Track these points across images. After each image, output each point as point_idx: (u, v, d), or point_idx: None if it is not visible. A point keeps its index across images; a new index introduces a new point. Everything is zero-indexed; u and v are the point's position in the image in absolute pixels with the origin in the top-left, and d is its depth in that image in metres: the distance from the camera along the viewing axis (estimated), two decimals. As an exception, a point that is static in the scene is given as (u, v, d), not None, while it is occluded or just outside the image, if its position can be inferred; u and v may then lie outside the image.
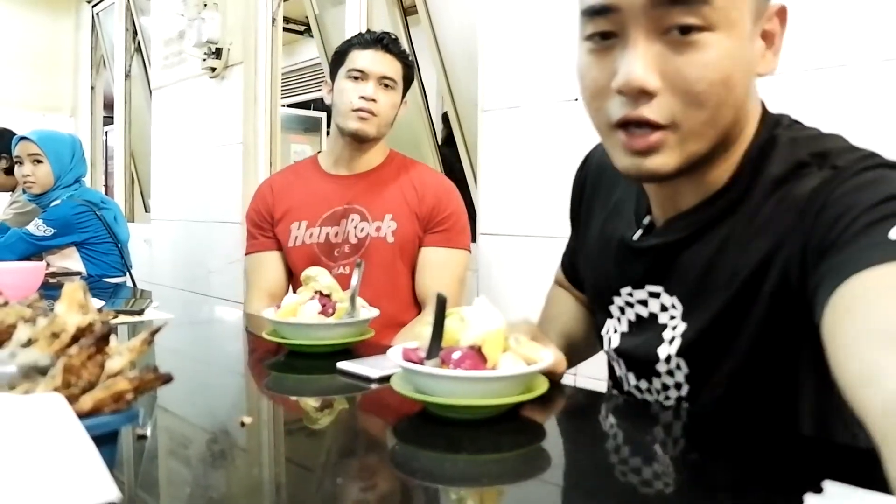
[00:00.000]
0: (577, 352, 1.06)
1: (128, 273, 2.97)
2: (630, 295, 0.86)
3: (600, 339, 0.96)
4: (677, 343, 0.79)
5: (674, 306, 0.80)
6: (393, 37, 1.82)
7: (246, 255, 1.88)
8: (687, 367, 0.79)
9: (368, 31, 2.20)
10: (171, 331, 1.46)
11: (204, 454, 0.71)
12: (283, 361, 1.12)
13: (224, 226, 3.24)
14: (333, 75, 1.81)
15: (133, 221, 4.35)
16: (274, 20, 3.16)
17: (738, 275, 0.72)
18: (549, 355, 0.82)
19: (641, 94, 0.66)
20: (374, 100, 1.73)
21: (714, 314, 0.75)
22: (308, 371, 1.07)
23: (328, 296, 1.17)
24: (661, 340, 0.81)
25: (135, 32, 4.40)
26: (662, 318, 0.82)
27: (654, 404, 0.85)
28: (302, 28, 4.57)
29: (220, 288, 3.29)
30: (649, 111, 0.66)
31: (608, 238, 0.90)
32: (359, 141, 1.77)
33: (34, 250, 2.72)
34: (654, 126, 0.67)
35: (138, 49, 4.38)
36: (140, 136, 4.41)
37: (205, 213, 3.40)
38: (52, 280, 2.44)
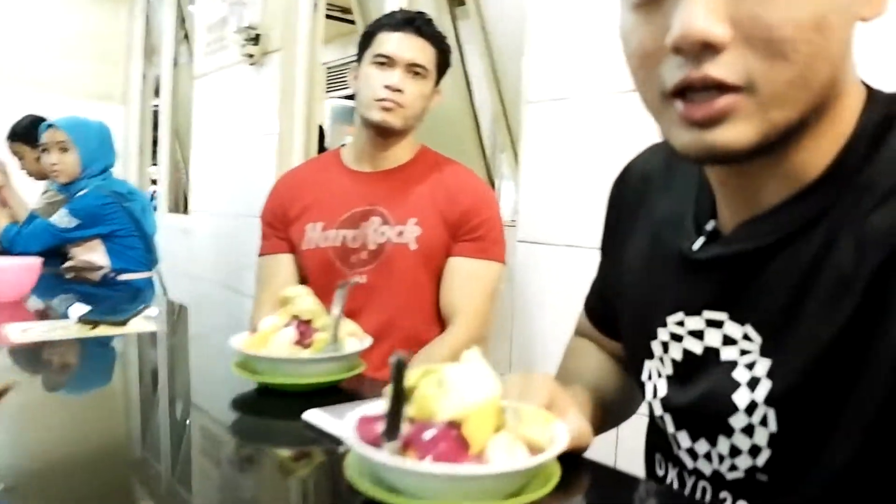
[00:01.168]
0: (609, 413, 0.84)
1: (154, 269, 2.85)
2: (680, 325, 0.68)
3: (641, 389, 0.75)
4: (764, 387, 0.60)
5: (747, 337, 0.62)
6: (427, 18, 1.60)
7: (258, 256, 1.70)
8: (776, 422, 0.59)
9: (401, 10, 1.99)
10: (148, 348, 1.28)
11: None
12: (253, 398, 0.92)
13: (258, 220, 3.09)
14: (360, 59, 1.61)
15: (183, 212, 4.28)
16: (316, 5, 2.98)
17: (850, 291, 0.54)
18: (563, 433, 0.59)
19: (705, 49, 0.51)
20: (400, 90, 1.52)
21: (820, 349, 0.56)
22: (275, 414, 0.87)
23: (308, 322, 0.96)
24: (736, 384, 0.62)
25: (183, 20, 4.31)
26: (727, 353, 0.63)
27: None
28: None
29: (253, 284, 3.14)
30: (715, 69, 0.52)
31: (656, 255, 0.73)
32: (383, 135, 1.57)
33: (58, 242, 2.61)
34: (722, 88, 0.52)
35: (186, 37, 4.29)
36: (188, 126, 4.33)
37: (241, 206, 3.26)
38: (68, 276, 2.33)
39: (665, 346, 0.69)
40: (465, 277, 1.54)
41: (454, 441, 0.55)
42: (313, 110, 2.99)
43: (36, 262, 1.71)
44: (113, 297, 2.12)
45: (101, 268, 2.70)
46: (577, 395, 0.80)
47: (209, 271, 3.58)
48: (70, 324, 1.37)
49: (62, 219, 2.58)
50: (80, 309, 1.46)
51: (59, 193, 2.79)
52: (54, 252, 2.64)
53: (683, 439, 0.68)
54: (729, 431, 0.63)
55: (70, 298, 1.92)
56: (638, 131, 1.65)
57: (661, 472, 0.75)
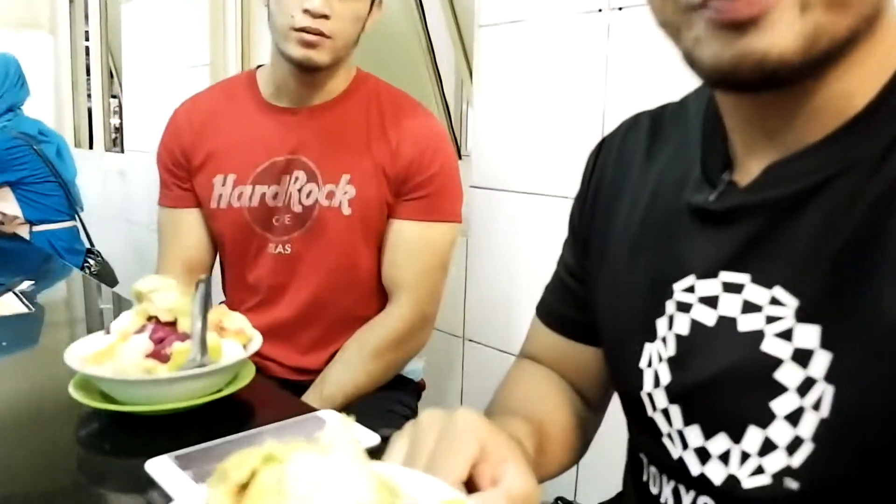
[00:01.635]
0: (565, 449, 0.65)
1: (76, 217, 2.58)
2: (690, 291, 0.58)
3: (631, 388, 0.62)
4: (822, 360, 0.50)
5: (776, 301, 0.53)
6: None
7: (158, 205, 1.37)
8: (831, 405, 0.50)
9: None
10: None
11: None
12: (100, 424, 0.70)
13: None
14: None
15: (120, 151, 3.94)
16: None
17: None
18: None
19: None
20: (325, 14, 1.14)
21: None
22: (124, 451, 0.65)
23: (170, 324, 0.73)
24: (774, 360, 0.52)
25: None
26: (747, 323, 0.54)
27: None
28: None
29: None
30: None
31: (654, 222, 0.64)
32: (307, 71, 1.22)
33: (-41, 192, 2.33)
34: None
35: (113, -45, 3.86)
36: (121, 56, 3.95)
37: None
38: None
39: (671, 320, 0.59)
40: (411, 245, 1.25)
41: None
42: (250, 39, 2.66)
43: None
44: (23, 252, 1.86)
45: (15, 218, 2.43)
46: (517, 432, 0.60)
47: (147, 216, 3.30)
48: (-82, 307, 1.12)
49: (-39, 166, 2.29)
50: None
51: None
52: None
53: (693, 436, 0.57)
54: (766, 419, 0.52)
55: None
56: (603, 56, 1.42)
57: (654, 489, 0.62)
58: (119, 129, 3.99)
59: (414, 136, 1.23)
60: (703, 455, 0.57)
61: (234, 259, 1.29)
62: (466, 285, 1.71)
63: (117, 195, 3.50)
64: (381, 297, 1.28)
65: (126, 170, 3.53)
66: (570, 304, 0.75)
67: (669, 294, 0.58)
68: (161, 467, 0.59)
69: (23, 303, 1.18)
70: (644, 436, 0.63)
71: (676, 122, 0.65)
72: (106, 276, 2.48)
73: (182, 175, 1.29)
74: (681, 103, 0.67)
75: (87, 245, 2.62)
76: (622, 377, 0.65)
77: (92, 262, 2.52)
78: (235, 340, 0.76)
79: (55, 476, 0.61)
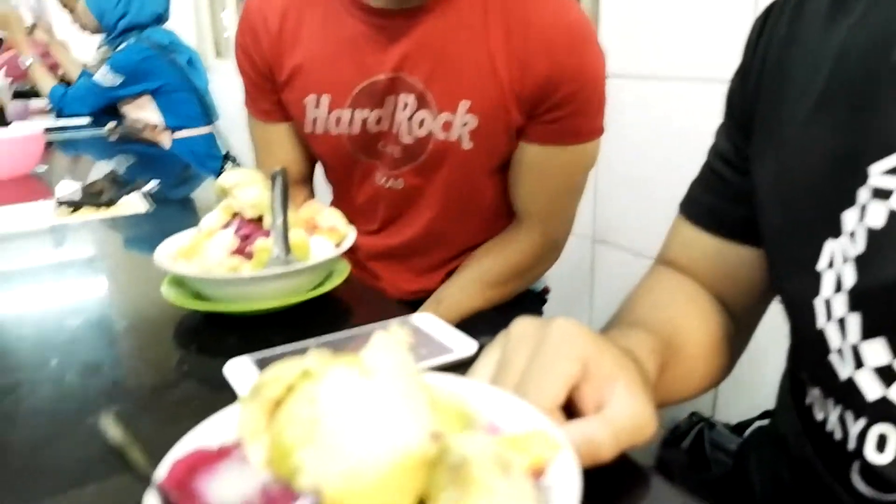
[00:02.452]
0: (695, 370, 0.58)
1: (212, 124, 2.64)
2: (892, 173, 0.46)
3: (798, 304, 0.52)
4: None
5: None
6: None
7: (246, 109, 1.17)
8: None
9: None
10: (120, 237, 1.05)
11: None
12: (197, 324, 0.67)
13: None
14: None
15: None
16: None
17: None
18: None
19: None
20: None
21: None
22: (202, 351, 0.61)
23: (256, 221, 0.68)
24: None
25: None
26: None
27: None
28: None
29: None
30: None
31: (845, 89, 0.50)
32: None
33: (105, 101, 2.43)
34: None
35: None
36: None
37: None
38: (111, 138, 2.14)
39: (862, 210, 0.48)
40: (545, 172, 1.03)
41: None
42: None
43: (36, 133, 1.50)
44: (164, 159, 1.92)
45: (155, 126, 2.52)
46: (636, 347, 0.50)
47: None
48: (50, 208, 1.16)
49: (105, 76, 2.38)
50: (66, 187, 1.25)
51: (108, 48, 2.57)
52: (108, 111, 2.47)
53: (872, 353, 0.47)
54: None
55: (122, 161, 1.74)
56: None
57: (819, 415, 0.53)
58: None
59: (548, 41, 0.94)
60: (886, 375, 0.47)
61: (339, 184, 1.17)
62: (596, 182, 1.57)
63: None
64: (507, 218, 1.12)
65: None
66: (724, 197, 0.63)
67: (863, 178, 0.47)
68: (239, 369, 0.54)
69: (146, 203, 1.19)
70: (807, 352, 0.53)
71: None
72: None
73: (267, 88, 1.10)
74: None
75: (224, 151, 2.69)
76: (791, 281, 0.53)
77: (228, 167, 2.59)
78: (328, 238, 0.70)
79: (139, 375, 0.58)
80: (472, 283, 1.08)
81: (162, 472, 0.31)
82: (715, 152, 0.65)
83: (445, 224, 1.08)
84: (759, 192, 0.57)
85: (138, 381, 0.57)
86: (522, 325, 0.45)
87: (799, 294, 0.52)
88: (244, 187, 0.67)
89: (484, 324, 0.99)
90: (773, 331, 0.70)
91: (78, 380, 0.57)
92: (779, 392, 0.65)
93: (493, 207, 1.10)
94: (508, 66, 0.95)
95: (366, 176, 1.09)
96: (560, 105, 0.96)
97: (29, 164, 1.48)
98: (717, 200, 0.64)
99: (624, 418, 0.40)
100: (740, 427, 0.91)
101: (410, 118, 1.00)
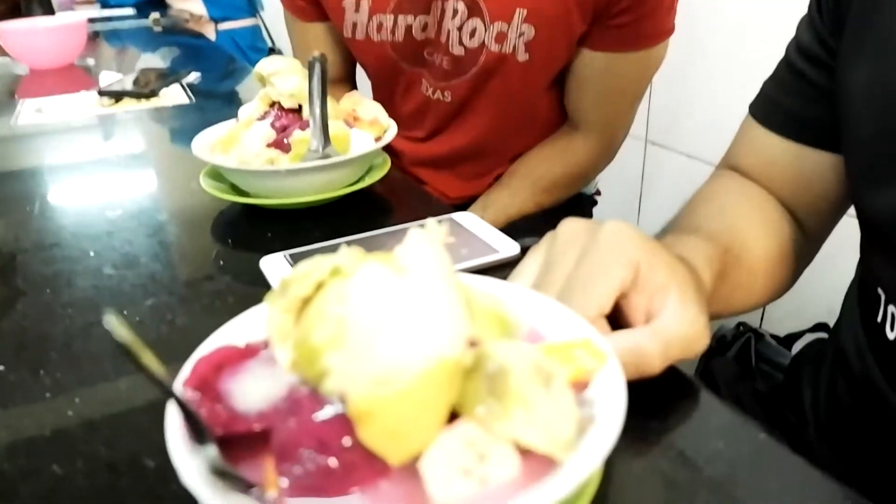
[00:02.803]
0: (755, 280, 0.55)
1: (257, 15, 2.57)
2: None
3: (880, 215, 0.48)
4: None
5: None
6: None
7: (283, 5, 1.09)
8: None
9: None
10: (161, 127, 1.04)
11: None
12: (236, 217, 0.66)
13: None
14: None
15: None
16: None
17: None
18: (610, 414, 0.27)
19: None
20: None
21: None
22: (238, 245, 0.60)
23: (295, 112, 0.65)
24: None
25: None
26: None
27: None
28: None
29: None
30: None
31: None
32: None
33: (148, -9, 2.38)
34: None
35: None
36: None
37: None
38: (156, 28, 2.10)
39: None
40: (608, 81, 0.95)
41: (349, 453, 0.25)
42: None
43: (79, 22, 1.47)
44: (208, 51, 1.88)
45: (200, 17, 2.46)
46: (693, 255, 0.47)
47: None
48: (93, 98, 1.15)
49: (148, -35, 2.31)
50: (109, 78, 1.23)
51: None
52: (153, 2, 2.43)
53: None
54: None
55: (166, 53, 1.71)
56: None
57: (892, 335, 0.50)
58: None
59: None
60: None
61: (381, 91, 1.08)
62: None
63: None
64: (561, 125, 1.06)
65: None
66: (802, 97, 0.58)
67: None
68: (275, 264, 0.53)
69: (186, 94, 1.17)
70: (888, 268, 0.49)
71: None
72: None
73: None
74: None
75: (270, 44, 2.63)
76: (877, 195, 0.49)
77: (273, 60, 2.54)
78: (369, 131, 0.67)
79: (175, 268, 0.57)
80: (523, 189, 1.02)
81: (186, 370, 0.30)
82: (796, 48, 0.59)
83: (496, 135, 1.02)
84: (845, 96, 0.52)
85: (175, 273, 0.56)
86: (571, 226, 0.42)
87: (885, 209, 0.47)
88: (283, 76, 0.63)
89: (529, 226, 0.96)
90: (829, 243, 0.66)
91: (115, 272, 0.56)
92: (843, 307, 0.62)
93: (548, 117, 1.04)
94: None
95: (411, 85, 1.01)
96: (631, 7, 0.86)
97: (72, 55, 1.46)
98: (795, 102, 0.59)
99: (675, 330, 0.37)
100: (789, 339, 0.88)
101: (461, 27, 0.91)
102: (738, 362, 0.92)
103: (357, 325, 0.26)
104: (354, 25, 0.96)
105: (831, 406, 0.60)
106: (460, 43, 0.92)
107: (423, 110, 1.02)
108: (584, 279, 0.38)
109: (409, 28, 0.94)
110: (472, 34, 0.91)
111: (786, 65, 0.60)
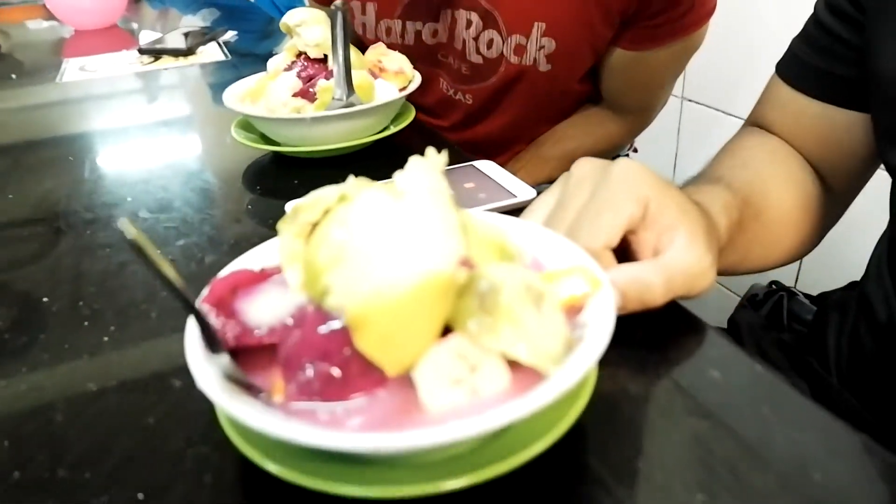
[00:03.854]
0: (785, 241, 0.57)
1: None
2: None
3: None
4: None
5: None
6: None
7: None
8: None
9: None
10: (197, 83, 1.06)
11: None
12: (266, 165, 0.68)
13: None
14: None
15: None
16: None
17: None
18: (602, 322, 0.29)
19: None
20: None
21: None
22: (265, 192, 0.63)
23: (321, 62, 0.66)
24: None
25: None
26: None
27: None
28: None
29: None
30: None
31: None
32: None
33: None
34: None
35: None
36: None
37: None
38: None
39: None
40: (644, 72, 0.91)
41: (349, 362, 0.27)
42: None
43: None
44: (248, 12, 1.90)
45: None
46: (710, 201, 0.47)
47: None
48: (132, 57, 1.18)
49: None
50: (148, 37, 1.26)
51: None
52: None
53: None
54: None
55: (207, 15, 1.74)
56: None
57: None
58: None
59: None
60: None
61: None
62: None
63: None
64: (591, 101, 1.01)
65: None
66: (830, 55, 0.57)
67: None
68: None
69: (223, 52, 1.19)
70: None
71: None
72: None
73: None
74: None
75: (307, 5, 2.64)
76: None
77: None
78: (393, 82, 0.68)
79: (206, 212, 0.60)
80: (552, 160, 1.00)
81: (205, 291, 0.32)
82: (825, 3, 0.58)
83: (523, 125, 0.98)
84: (876, 55, 0.51)
85: (205, 217, 0.59)
86: (585, 166, 0.43)
87: None
88: (309, 26, 0.65)
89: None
90: (867, 202, 0.65)
91: (150, 215, 0.59)
92: (871, 257, 0.62)
93: (577, 100, 1.00)
94: None
95: (429, 83, 0.97)
96: (666, 8, 0.81)
97: (114, 16, 1.50)
98: (823, 60, 0.58)
99: (679, 265, 0.38)
100: (822, 298, 0.87)
101: (476, 38, 0.86)
102: (768, 318, 0.92)
103: (356, 245, 0.28)
104: (364, 25, 0.94)
105: (854, 353, 0.60)
106: (477, 52, 0.88)
107: (446, 106, 0.99)
108: (593, 213, 0.39)
109: (418, 33, 0.91)
110: (490, 45, 0.86)
111: (814, 22, 0.59)
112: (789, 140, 0.62)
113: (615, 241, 0.39)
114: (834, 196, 0.62)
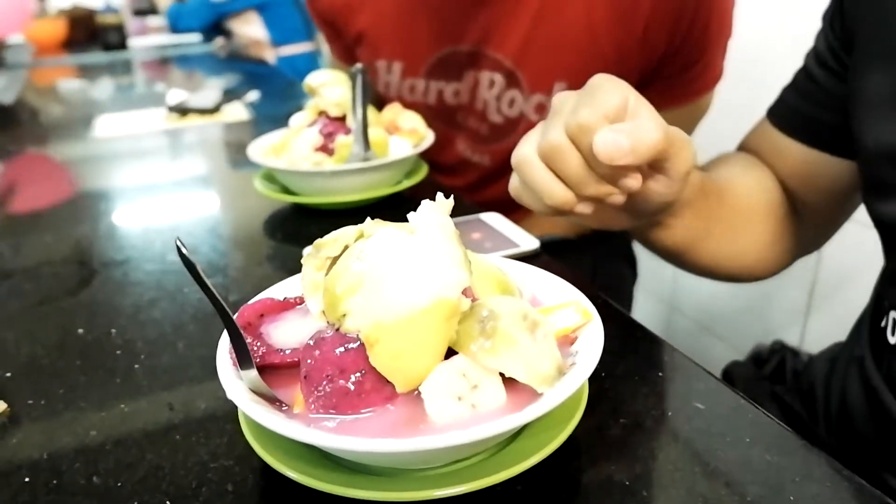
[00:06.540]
0: (744, 230, 0.63)
1: (315, 39, 2.69)
2: None
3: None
4: None
5: None
6: None
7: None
8: None
9: None
10: (221, 140, 1.12)
11: None
12: (285, 216, 0.73)
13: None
14: None
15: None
16: None
17: None
18: (589, 348, 0.32)
19: None
20: None
21: None
22: (285, 239, 0.67)
23: (340, 120, 0.71)
24: None
25: None
26: None
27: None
28: None
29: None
30: None
31: None
32: None
33: (213, 17, 2.53)
34: None
35: None
36: None
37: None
38: (221, 55, 2.23)
39: None
40: None
41: (362, 380, 0.31)
42: None
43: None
44: (269, 76, 1.99)
45: (260, 41, 2.60)
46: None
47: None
48: (161, 114, 1.25)
49: (214, -9, 2.46)
50: (176, 96, 1.33)
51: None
52: (218, 30, 2.57)
53: None
54: None
55: (230, 77, 1.82)
56: None
57: (893, 339, 0.54)
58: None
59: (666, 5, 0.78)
60: None
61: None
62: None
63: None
64: None
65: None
66: (817, 103, 0.61)
67: None
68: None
69: (246, 111, 1.26)
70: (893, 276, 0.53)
71: None
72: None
73: (338, 35, 1.01)
74: None
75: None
76: (889, 201, 0.51)
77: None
78: (408, 139, 0.73)
79: (230, 256, 0.64)
80: (562, 218, 0.98)
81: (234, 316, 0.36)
82: (814, 56, 0.63)
83: None
84: (857, 105, 0.55)
85: (229, 261, 0.63)
86: (563, 92, 0.47)
87: (888, 216, 0.50)
88: (330, 87, 0.70)
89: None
90: (872, 263, 0.68)
91: (177, 258, 0.63)
92: (860, 314, 0.65)
93: None
94: (615, 37, 0.80)
95: (446, 144, 0.97)
96: (684, 68, 0.83)
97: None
98: (811, 106, 0.62)
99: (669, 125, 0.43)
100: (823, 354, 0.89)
101: (499, 97, 0.89)
102: (772, 379, 0.94)
103: (372, 273, 0.31)
104: (388, 85, 0.96)
105: (842, 407, 0.63)
106: (498, 112, 0.90)
107: (462, 168, 0.99)
108: (586, 98, 0.43)
109: (440, 92, 0.93)
110: (511, 104, 0.88)
111: (804, 72, 0.64)
112: (770, 167, 0.66)
113: (612, 113, 0.42)
114: (804, 221, 0.66)
